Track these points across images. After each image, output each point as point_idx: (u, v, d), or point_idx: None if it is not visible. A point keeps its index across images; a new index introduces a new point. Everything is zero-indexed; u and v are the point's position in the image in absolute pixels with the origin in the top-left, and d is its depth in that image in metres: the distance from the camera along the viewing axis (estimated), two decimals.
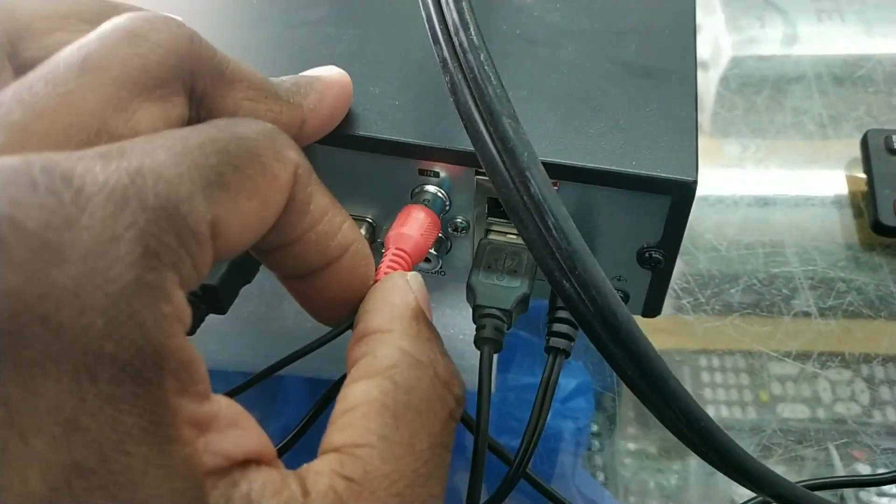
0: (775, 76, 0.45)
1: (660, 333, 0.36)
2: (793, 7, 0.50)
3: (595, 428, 0.35)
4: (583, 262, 0.17)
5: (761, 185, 0.38)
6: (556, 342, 0.21)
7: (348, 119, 0.22)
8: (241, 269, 0.24)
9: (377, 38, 0.26)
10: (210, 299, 0.23)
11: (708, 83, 0.48)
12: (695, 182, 0.20)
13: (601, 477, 0.33)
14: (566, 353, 0.21)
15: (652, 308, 0.23)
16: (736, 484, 0.19)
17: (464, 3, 0.18)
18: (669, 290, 0.23)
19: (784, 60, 0.47)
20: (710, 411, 0.33)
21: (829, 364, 0.33)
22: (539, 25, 0.26)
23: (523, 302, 0.21)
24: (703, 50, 0.51)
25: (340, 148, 0.22)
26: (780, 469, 0.25)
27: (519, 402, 0.36)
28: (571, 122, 0.22)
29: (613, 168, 0.20)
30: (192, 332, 0.22)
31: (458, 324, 0.27)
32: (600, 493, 0.32)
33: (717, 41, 0.50)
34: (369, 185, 0.23)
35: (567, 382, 0.37)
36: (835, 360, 0.33)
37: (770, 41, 0.48)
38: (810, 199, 0.37)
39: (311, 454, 0.15)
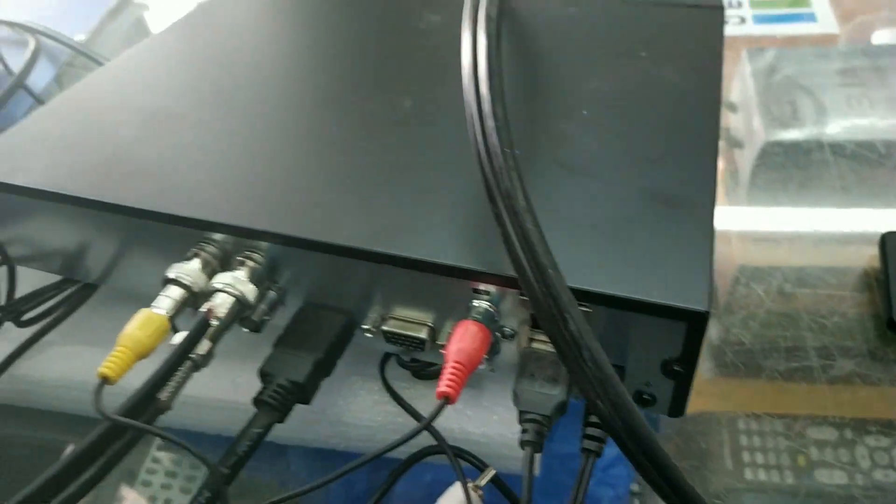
0: (805, 160, 0.48)
1: (700, 396, 0.38)
2: (824, 92, 0.53)
3: (636, 487, 0.38)
4: (613, 387, 0.21)
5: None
6: (589, 444, 0.24)
7: (410, 241, 0.26)
8: (324, 366, 0.28)
9: (436, 162, 0.30)
10: (298, 393, 0.27)
11: (744, 160, 0.51)
12: (707, 312, 0.23)
13: None
14: (597, 454, 0.24)
15: (676, 409, 0.27)
16: None
17: (514, 173, 0.22)
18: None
19: (814, 144, 0.50)
20: (748, 474, 0.34)
21: (870, 430, 0.34)
22: (578, 153, 0.30)
23: (561, 407, 0.25)
24: (738, 128, 0.54)
25: (402, 268, 0.26)
26: None
27: (562, 469, 0.39)
28: (602, 250, 0.25)
29: (637, 297, 0.24)
30: (281, 420, 0.27)
31: (508, 421, 0.30)
32: None
33: (750, 122, 0.53)
34: (429, 298, 0.27)
35: (608, 451, 0.40)
36: (874, 426, 0.34)
37: (801, 125, 0.51)
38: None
39: None
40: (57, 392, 0.35)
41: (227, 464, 0.25)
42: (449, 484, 0.29)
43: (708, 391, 0.37)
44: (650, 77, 0.35)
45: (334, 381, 0.30)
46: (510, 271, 0.25)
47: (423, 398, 0.31)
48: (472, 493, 0.27)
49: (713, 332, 0.38)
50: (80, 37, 0.64)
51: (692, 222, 0.26)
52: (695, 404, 0.27)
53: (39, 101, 0.55)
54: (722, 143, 0.40)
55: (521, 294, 0.25)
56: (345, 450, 0.33)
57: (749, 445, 0.37)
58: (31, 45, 0.58)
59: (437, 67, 0.38)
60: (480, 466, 0.29)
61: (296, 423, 0.28)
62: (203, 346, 0.25)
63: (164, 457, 0.37)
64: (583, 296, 0.24)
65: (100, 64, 0.59)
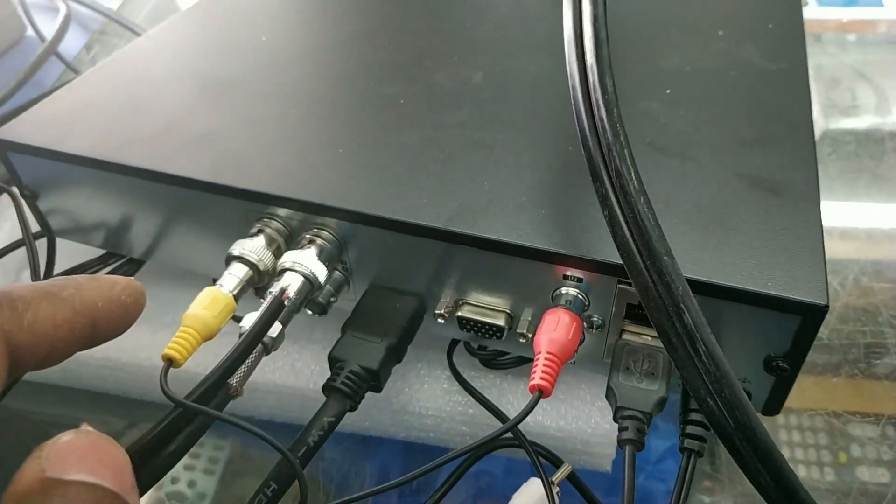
0: (868, 149, 0.46)
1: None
2: (885, 79, 0.51)
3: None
4: (729, 385, 0.19)
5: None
6: (691, 444, 0.23)
7: (490, 222, 0.24)
8: (396, 352, 0.26)
9: (514, 138, 0.28)
10: (371, 380, 0.25)
11: None
12: (826, 306, 0.21)
13: None
14: (700, 454, 0.23)
15: (773, 407, 0.25)
16: None
17: (626, 151, 0.21)
18: None
19: (876, 132, 0.48)
20: None
21: None
22: (667, 133, 0.28)
23: (661, 403, 0.23)
24: None
25: (484, 250, 0.25)
26: None
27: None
28: (708, 239, 0.24)
29: (750, 288, 0.22)
30: (353, 408, 0.25)
31: (585, 416, 0.29)
32: None
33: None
34: (511, 283, 0.26)
35: (659, 444, 0.39)
36: None
37: (862, 113, 0.49)
38: None
39: None
40: (100, 372, 0.33)
41: (298, 453, 0.23)
42: (514, 477, 0.28)
43: None
44: (731, 57, 0.33)
45: (399, 367, 0.28)
46: (607, 257, 0.23)
47: (493, 388, 0.30)
48: (552, 488, 0.25)
49: None
50: (110, 6, 0.62)
51: (800, 211, 0.24)
52: None
53: (71, 68, 0.53)
54: None
55: (621, 282, 0.23)
56: (403, 439, 0.31)
57: (789, 440, 0.36)
58: (63, 10, 0.56)
59: (505, 40, 0.36)
60: (556, 462, 0.27)
61: (357, 411, 0.26)
62: (275, 329, 0.24)
63: None
64: (691, 285, 0.22)
65: (133, 32, 0.57)
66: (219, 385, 0.22)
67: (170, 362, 0.22)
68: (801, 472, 0.34)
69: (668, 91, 0.31)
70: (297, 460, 0.23)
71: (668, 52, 0.34)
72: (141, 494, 0.17)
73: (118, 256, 0.35)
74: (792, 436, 0.37)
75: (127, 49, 0.37)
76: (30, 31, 0.58)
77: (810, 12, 0.55)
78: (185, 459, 0.36)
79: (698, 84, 0.31)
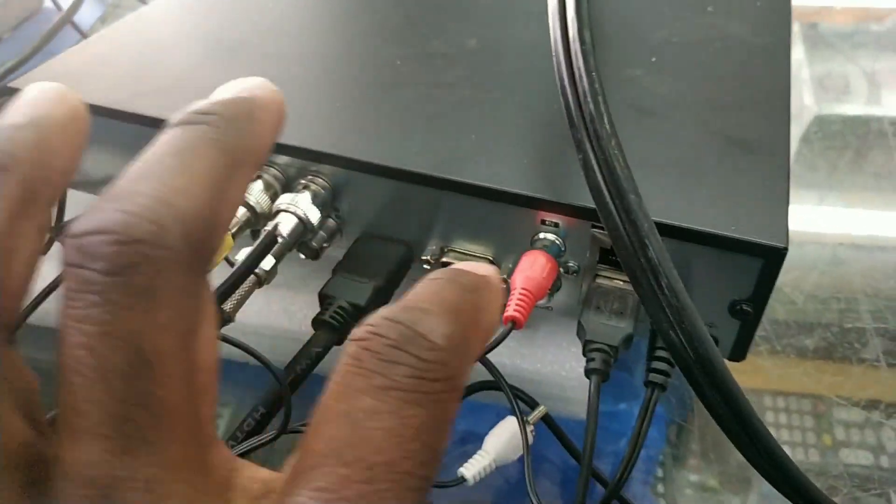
0: (857, 137, 0.47)
1: (735, 372, 0.38)
2: (878, 68, 0.52)
3: (660, 457, 0.38)
4: (689, 317, 0.21)
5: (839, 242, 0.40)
6: (655, 377, 0.24)
7: (475, 169, 0.26)
8: (383, 293, 0.28)
9: (504, 97, 0.30)
10: (357, 316, 0.27)
11: (791, 138, 0.50)
12: (785, 248, 0.23)
13: None
14: (663, 388, 0.24)
15: (739, 353, 0.26)
16: None
17: (599, 97, 0.22)
18: None
19: (867, 120, 0.49)
20: None
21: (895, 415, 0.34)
22: (649, 96, 0.30)
23: (627, 340, 0.24)
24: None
25: (469, 196, 0.26)
26: None
27: (599, 428, 0.39)
28: (679, 187, 0.25)
29: (715, 231, 0.23)
30: (339, 342, 0.27)
31: (562, 360, 0.30)
32: None
33: (801, 98, 0.53)
34: (493, 229, 0.27)
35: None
36: None
37: (854, 100, 0.50)
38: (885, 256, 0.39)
39: None
40: None
41: (286, 380, 0.25)
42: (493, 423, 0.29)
43: (740, 368, 0.37)
44: (718, 30, 0.35)
45: None
46: (583, 201, 0.24)
47: None
48: (526, 428, 0.27)
49: None
50: None
51: (769, 165, 0.26)
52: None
53: (86, 37, 0.55)
54: None
55: (595, 226, 0.25)
56: None
57: (776, 422, 0.37)
58: None
59: (500, 9, 0.37)
60: (532, 404, 0.29)
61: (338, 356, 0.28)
62: (267, 262, 0.25)
63: None
64: (660, 229, 0.23)
65: (145, 5, 0.58)
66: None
67: None
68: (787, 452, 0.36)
69: (653, 59, 0.32)
70: (286, 384, 0.24)
71: (657, 25, 0.35)
72: None
73: None
74: (779, 418, 0.38)
75: (138, 13, 0.39)
76: (47, 2, 0.60)
77: (804, 0, 0.57)
78: None
79: (683, 54, 0.33)
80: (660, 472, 0.37)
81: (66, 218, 0.37)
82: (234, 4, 0.39)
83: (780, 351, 0.36)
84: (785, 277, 0.38)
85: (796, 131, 0.51)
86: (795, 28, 0.58)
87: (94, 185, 0.35)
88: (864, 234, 0.41)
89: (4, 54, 0.51)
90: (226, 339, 0.23)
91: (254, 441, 0.24)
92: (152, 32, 0.37)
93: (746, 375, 0.37)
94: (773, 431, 0.37)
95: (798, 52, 0.56)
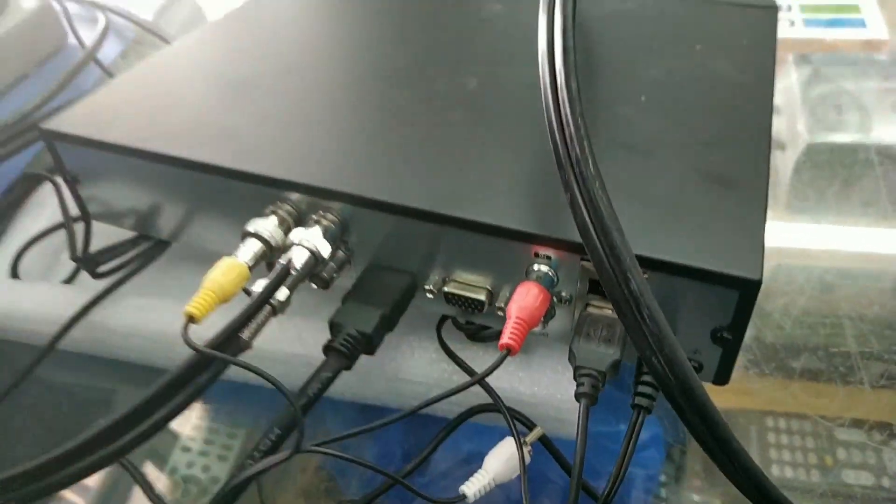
0: (846, 166, 0.49)
1: (727, 393, 0.39)
2: (870, 97, 0.54)
3: (663, 478, 0.39)
4: (669, 344, 0.23)
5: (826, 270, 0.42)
6: (641, 401, 0.26)
7: (475, 206, 0.28)
8: (389, 321, 0.30)
9: (501, 137, 0.32)
10: (365, 343, 0.29)
11: (786, 162, 0.52)
12: (759, 281, 0.24)
13: None
14: (648, 410, 0.26)
15: (722, 377, 0.28)
16: None
17: (584, 142, 0.24)
18: (739, 358, 0.27)
19: (857, 148, 0.50)
20: (775, 471, 0.35)
21: None
22: (637, 134, 0.32)
23: (615, 366, 0.26)
24: (780, 130, 0.55)
25: (468, 231, 0.28)
26: None
27: (595, 447, 0.40)
28: (661, 222, 0.27)
29: (693, 264, 0.25)
30: (349, 367, 0.29)
31: (557, 384, 0.32)
32: None
33: (795, 126, 0.54)
34: (490, 261, 0.29)
35: (641, 434, 0.41)
36: None
37: (846, 129, 0.52)
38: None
39: None
40: (128, 342, 0.37)
41: (299, 403, 0.27)
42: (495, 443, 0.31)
43: (736, 390, 0.38)
44: (705, 69, 0.37)
45: (393, 339, 0.32)
46: (573, 237, 0.26)
47: (476, 359, 0.33)
48: (523, 448, 0.28)
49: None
50: (146, 17, 0.67)
51: (746, 200, 0.28)
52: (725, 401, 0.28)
53: (108, 73, 0.57)
54: None
55: (584, 259, 0.27)
56: (398, 406, 0.34)
57: (777, 443, 0.38)
58: (102, 21, 0.61)
59: (499, 53, 0.39)
60: (529, 426, 0.31)
61: (352, 378, 0.30)
62: (282, 293, 0.27)
63: (202, 426, 0.39)
64: (642, 262, 0.25)
65: (165, 42, 0.61)
66: (231, 336, 0.26)
67: (190, 318, 0.26)
68: (788, 473, 0.37)
69: (643, 98, 0.34)
70: (299, 407, 0.26)
71: (648, 64, 0.37)
72: None
73: (147, 238, 0.39)
74: (780, 438, 0.39)
75: (159, 54, 0.41)
76: (72, 39, 0.63)
77: (797, 32, 0.59)
78: (200, 446, 0.39)
79: (671, 92, 0.35)
80: (663, 493, 0.38)
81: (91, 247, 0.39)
82: (248, 46, 0.42)
83: (769, 374, 0.38)
84: (774, 303, 0.40)
85: (791, 159, 0.53)
86: (790, 58, 0.60)
87: (118, 218, 0.38)
88: (852, 260, 0.43)
89: (30, 91, 0.54)
90: (243, 365, 0.25)
91: (270, 460, 0.25)
92: (172, 74, 0.39)
93: (741, 395, 0.38)
94: (774, 452, 0.39)
95: (792, 81, 0.58)
